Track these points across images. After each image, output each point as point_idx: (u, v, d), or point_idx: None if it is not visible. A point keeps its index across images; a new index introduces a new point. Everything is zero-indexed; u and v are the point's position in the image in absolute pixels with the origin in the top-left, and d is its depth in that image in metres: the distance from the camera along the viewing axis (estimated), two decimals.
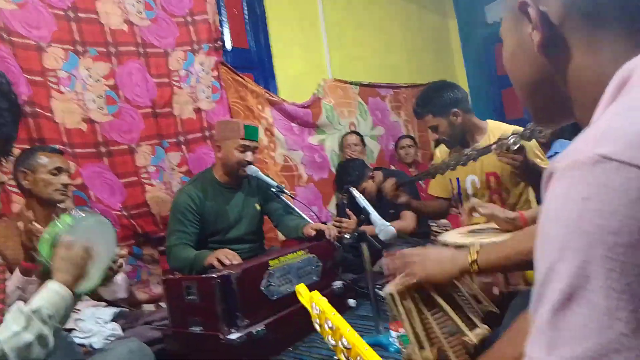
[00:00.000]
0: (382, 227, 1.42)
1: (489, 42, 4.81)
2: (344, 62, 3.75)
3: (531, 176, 1.80)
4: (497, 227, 1.63)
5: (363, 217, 1.57)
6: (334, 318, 0.86)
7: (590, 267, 0.36)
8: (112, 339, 1.68)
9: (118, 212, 2.40)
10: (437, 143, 4.00)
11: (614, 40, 0.47)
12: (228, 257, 1.89)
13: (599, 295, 0.35)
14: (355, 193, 1.63)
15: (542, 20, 0.51)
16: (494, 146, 1.68)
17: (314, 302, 0.91)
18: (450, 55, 4.93)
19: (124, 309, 1.98)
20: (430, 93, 2.12)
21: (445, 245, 1.50)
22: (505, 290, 1.45)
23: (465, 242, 1.48)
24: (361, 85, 3.84)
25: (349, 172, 2.70)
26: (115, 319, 1.84)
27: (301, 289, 0.95)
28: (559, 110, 0.57)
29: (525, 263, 1.02)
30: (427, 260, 1.12)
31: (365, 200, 1.58)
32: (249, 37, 3.28)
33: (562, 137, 3.33)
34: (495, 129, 2.10)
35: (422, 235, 2.66)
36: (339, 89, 3.65)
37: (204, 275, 1.69)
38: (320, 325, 0.89)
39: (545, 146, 3.24)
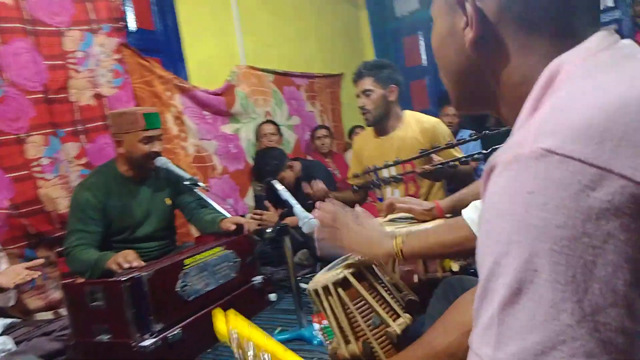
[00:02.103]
0: (306, 220, 1.39)
1: (398, 35, 4.97)
2: (257, 49, 3.65)
3: (443, 176, 1.95)
4: (412, 216, 1.68)
5: (286, 210, 1.53)
6: (251, 334, 0.82)
7: (537, 261, 0.36)
8: (2, 354, 1.49)
9: (5, 211, 2.12)
10: (351, 132, 4.08)
11: (544, 44, 0.49)
12: (128, 259, 1.74)
13: (545, 288, 0.36)
14: (278, 186, 1.58)
15: (478, 17, 0.51)
16: (427, 165, 1.80)
17: (231, 326, 0.86)
18: (362, 46, 5.02)
19: (15, 319, 1.76)
20: (381, 62, 2.22)
21: None
22: (424, 278, 1.49)
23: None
24: (276, 73, 3.77)
25: (267, 161, 2.64)
26: (6, 331, 1.63)
27: (218, 324, 0.88)
28: (481, 100, 0.58)
29: (447, 254, 1.06)
30: (355, 234, 1.11)
31: (288, 193, 1.54)
32: (155, 19, 3.05)
33: (465, 128, 3.55)
34: (412, 119, 2.19)
35: None
36: (253, 77, 3.55)
37: (110, 279, 1.55)
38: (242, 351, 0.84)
39: (453, 135, 3.43)
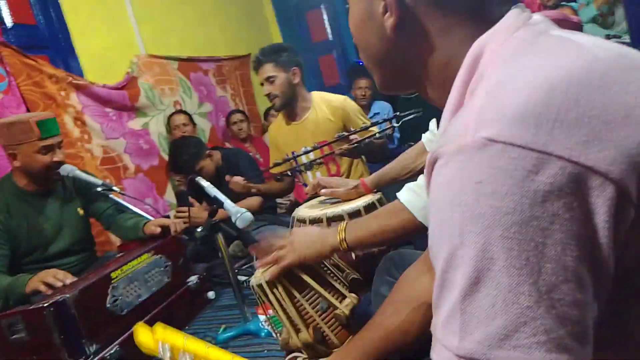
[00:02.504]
0: (239, 215, 1.34)
1: (301, 10, 4.91)
2: (155, 35, 3.43)
3: (361, 153, 1.99)
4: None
5: (214, 206, 1.47)
6: (188, 344, 0.79)
7: (492, 249, 0.37)
8: None
9: None
10: (267, 114, 4.01)
11: (464, 25, 0.50)
12: (58, 277, 1.59)
13: (502, 274, 0.37)
14: (203, 182, 1.50)
15: (397, 2, 0.51)
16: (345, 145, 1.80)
17: (160, 340, 0.82)
18: (266, 24, 4.91)
19: None
20: (278, 45, 2.19)
21: (302, 221, 1.50)
22: (361, 254, 1.52)
23: (320, 214, 1.50)
24: (180, 59, 3.58)
25: (183, 151, 2.51)
26: None
27: (141, 337, 0.84)
28: (406, 82, 0.59)
29: (389, 238, 1.09)
30: (297, 243, 1.11)
31: (215, 188, 1.46)
32: (35, 11, 2.73)
33: (378, 99, 3.63)
34: (320, 100, 2.20)
35: (269, 209, 2.65)
36: (155, 66, 3.34)
37: (30, 307, 1.40)
38: None
39: (366, 108, 3.50)
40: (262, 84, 2.15)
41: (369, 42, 0.57)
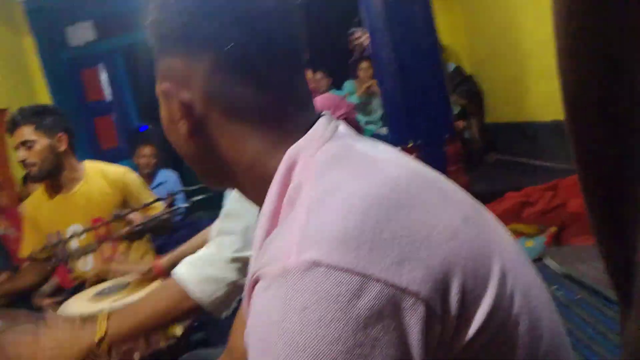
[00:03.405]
0: None
1: (75, 67, 4.48)
2: None
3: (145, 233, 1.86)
4: (125, 281, 1.50)
5: None
6: None
7: None
8: None
9: None
10: (26, 179, 3.40)
11: (261, 132, 0.51)
12: None
13: None
14: None
15: (186, 111, 0.51)
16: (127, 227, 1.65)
17: None
18: (29, 78, 4.28)
19: None
20: (42, 107, 1.90)
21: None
22: (146, 353, 1.34)
23: (96, 309, 1.27)
24: None
25: None
26: None
27: None
28: (219, 180, 0.58)
29: (163, 323, 0.98)
30: (39, 349, 0.87)
31: None
32: None
33: (164, 167, 3.47)
34: (94, 171, 1.94)
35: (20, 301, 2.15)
36: None
37: None
38: None
39: (150, 176, 3.31)
40: (16, 148, 1.80)
41: (175, 142, 0.56)
